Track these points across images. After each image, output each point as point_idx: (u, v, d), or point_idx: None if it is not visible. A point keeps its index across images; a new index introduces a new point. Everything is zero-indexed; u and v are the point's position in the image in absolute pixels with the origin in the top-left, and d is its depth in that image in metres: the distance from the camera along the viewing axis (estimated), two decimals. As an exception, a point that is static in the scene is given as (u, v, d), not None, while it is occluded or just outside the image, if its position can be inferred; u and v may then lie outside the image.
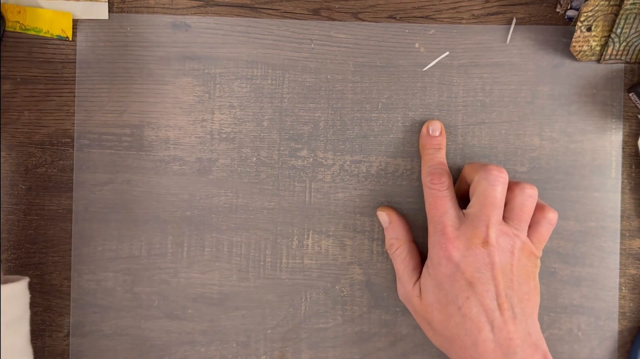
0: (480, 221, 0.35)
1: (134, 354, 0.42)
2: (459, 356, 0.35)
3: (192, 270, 0.42)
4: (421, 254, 0.40)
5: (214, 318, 0.42)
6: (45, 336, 0.42)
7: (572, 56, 0.42)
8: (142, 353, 0.42)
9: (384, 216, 0.41)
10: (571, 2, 0.40)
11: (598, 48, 0.41)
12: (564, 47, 0.42)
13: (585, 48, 0.41)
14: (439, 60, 0.42)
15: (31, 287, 0.42)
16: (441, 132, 0.41)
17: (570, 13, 0.41)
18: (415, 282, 0.38)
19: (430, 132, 0.41)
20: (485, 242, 0.34)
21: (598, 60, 0.42)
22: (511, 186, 0.37)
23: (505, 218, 0.36)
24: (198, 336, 0.42)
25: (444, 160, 0.40)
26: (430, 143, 0.40)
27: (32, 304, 0.42)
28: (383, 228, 0.41)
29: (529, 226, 0.37)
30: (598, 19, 0.39)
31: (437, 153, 0.40)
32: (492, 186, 0.35)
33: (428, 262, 0.37)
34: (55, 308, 0.42)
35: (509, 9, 0.42)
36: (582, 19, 0.39)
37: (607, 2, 0.39)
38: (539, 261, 0.37)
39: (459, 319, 0.34)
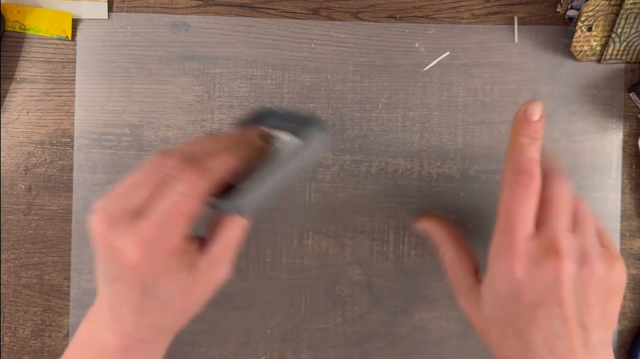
0: (548, 231, 0.30)
1: (134, 355, 0.42)
2: None
3: (192, 270, 0.42)
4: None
5: (213, 318, 0.42)
6: (45, 336, 0.42)
7: (572, 56, 0.42)
8: (142, 353, 0.42)
9: (424, 228, 0.38)
10: (571, 1, 0.40)
11: (599, 48, 0.41)
12: (565, 47, 0.42)
13: (585, 48, 0.41)
14: (439, 60, 0.42)
15: (31, 287, 0.42)
16: (541, 116, 0.32)
17: (570, 13, 0.41)
18: (471, 290, 0.33)
19: (528, 115, 0.32)
20: (556, 255, 0.29)
21: (599, 60, 0.42)
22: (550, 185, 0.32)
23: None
24: (198, 336, 0.42)
25: (537, 156, 0.31)
26: (526, 130, 0.31)
27: (32, 304, 0.42)
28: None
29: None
30: (599, 18, 0.39)
31: (531, 144, 0.31)
32: (557, 191, 0.31)
33: (488, 273, 0.31)
34: (55, 308, 0.42)
35: (509, 9, 0.42)
36: (582, 18, 0.39)
37: (607, 2, 0.39)
38: (625, 268, 0.31)
39: (517, 343, 0.30)
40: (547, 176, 0.31)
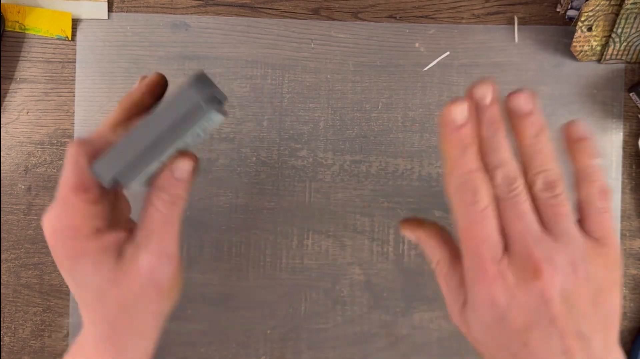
0: (518, 245, 0.26)
1: (134, 355, 0.42)
2: None
3: (191, 270, 0.42)
4: None
5: (213, 318, 0.42)
6: (45, 336, 0.42)
7: (572, 56, 0.42)
8: (142, 353, 0.42)
9: (410, 235, 0.33)
10: (571, 1, 0.40)
11: (599, 48, 0.41)
12: (565, 47, 0.42)
13: (586, 48, 0.41)
14: (439, 60, 0.42)
15: (31, 287, 0.42)
16: (467, 118, 0.27)
17: (570, 13, 0.41)
18: (462, 307, 0.29)
19: (450, 119, 0.27)
20: (535, 273, 0.25)
21: (599, 60, 0.42)
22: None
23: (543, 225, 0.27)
24: (198, 336, 0.42)
25: (478, 163, 0.27)
26: (455, 139, 0.27)
27: (32, 304, 0.42)
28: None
29: (581, 217, 0.28)
30: (599, 18, 0.39)
31: (463, 155, 0.27)
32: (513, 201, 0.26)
33: (469, 300, 0.28)
34: (55, 308, 0.42)
35: (509, 9, 0.42)
36: (582, 18, 0.39)
37: (607, 2, 0.39)
38: (618, 258, 0.27)
39: None
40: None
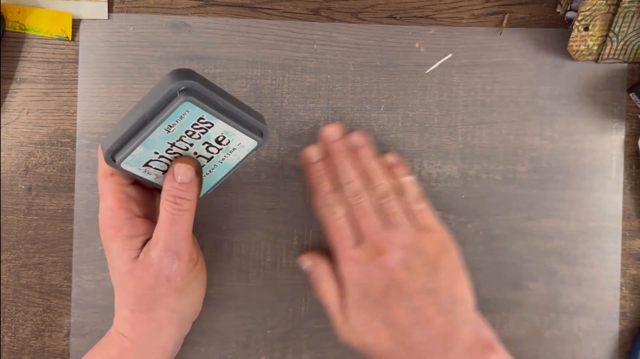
0: (367, 238, 0.36)
1: (134, 355, 0.42)
2: None
3: (192, 270, 0.42)
4: None
5: (213, 318, 0.42)
6: (45, 336, 0.42)
7: (572, 56, 0.42)
8: (142, 353, 0.42)
9: (306, 262, 0.40)
10: (571, 2, 0.40)
11: (595, 47, 0.41)
12: (565, 48, 0.42)
13: (582, 47, 0.41)
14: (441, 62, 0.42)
15: (31, 287, 0.42)
16: (320, 156, 0.39)
17: (569, 15, 0.41)
18: (344, 315, 0.37)
19: (309, 157, 0.39)
20: (380, 251, 0.35)
21: (596, 60, 0.42)
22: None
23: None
24: (198, 336, 0.42)
25: (331, 186, 0.38)
26: (313, 172, 0.39)
27: (32, 304, 0.42)
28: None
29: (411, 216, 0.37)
30: (595, 18, 0.39)
31: (320, 182, 0.38)
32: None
33: (345, 291, 0.36)
34: (55, 308, 0.42)
35: (509, 9, 0.42)
36: (579, 18, 0.39)
37: (604, 2, 0.39)
38: (445, 238, 0.36)
39: (388, 333, 0.34)
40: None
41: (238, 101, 0.33)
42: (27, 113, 0.42)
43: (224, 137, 0.32)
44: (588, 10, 0.39)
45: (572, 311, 0.42)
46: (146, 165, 0.32)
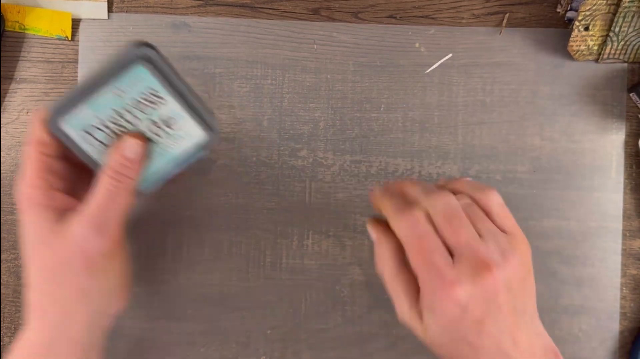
0: (465, 249, 0.30)
1: (134, 354, 0.42)
2: None
3: (191, 270, 0.42)
4: None
5: (214, 318, 0.42)
6: (45, 336, 0.42)
7: (572, 56, 0.42)
8: (142, 353, 0.42)
9: (372, 232, 0.35)
10: (571, 2, 0.40)
11: (595, 47, 0.41)
12: (565, 47, 0.42)
13: (582, 47, 0.41)
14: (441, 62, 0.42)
15: (31, 287, 0.42)
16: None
17: (569, 14, 0.41)
18: (411, 308, 0.33)
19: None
20: (486, 267, 0.30)
21: (596, 60, 0.42)
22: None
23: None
24: (198, 336, 0.42)
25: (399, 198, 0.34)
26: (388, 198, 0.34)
27: (32, 305, 0.42)
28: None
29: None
30: (596, 18, 0.39)
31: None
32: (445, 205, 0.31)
33: (428, 307, 0.31)
34: (55, 308, 0.42)
35: (509, 9, 0.42)
36: (580, 18, 0.39)
37: (605, 2, 0.39)
38: (527, 243, 0.33)
39: (471, 354, 0.31)
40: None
41: (193, 90, 0.32)
42: (27, 113, 0.42)
43: (173, 120, 0.32)
44: (588, 10, 0.39)
45: (572, 311, 0.42)
46: (87, 132, 0.31)
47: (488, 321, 0.30)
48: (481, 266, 0.30)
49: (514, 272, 0.31)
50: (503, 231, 0.32)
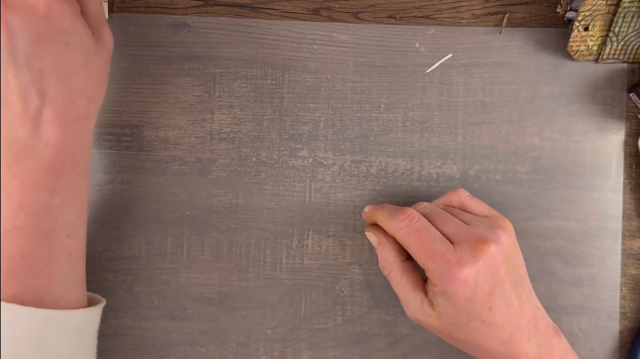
0: (461, 232, 0.34)
1: (134, 355, 0.42)
2: (486, 355, 0.34)
3: (191, 270, 0.42)
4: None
5: (213, 318, 0.42)
6: (45, 336, 0.42)
7: (571, 56, 0.42)
8: (142, 353, 0.42)
9: (372, 237, 0.38)
10: (571, 2, 0.40)
11: (595, 48, 0.41)
12: (565, 47, 0.42)
13: (582, 48, 0.41)
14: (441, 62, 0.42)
15: (31, 287, 0.42)
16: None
17: (569, 15, 0.41)
18: (422, 302, 0.35)
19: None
20: (484, 243, 0.33)
21: (596, 60, 0.42)
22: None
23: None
24: (198, 336, 0.42)
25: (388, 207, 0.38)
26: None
27: (32, 305, 0.42)
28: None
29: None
30: (595, 18, 0.39)
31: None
32: None
33: (441, 293, 0.33)
34: (55, 308, 0.42)
35: (509, 9, 0.42)
36: (579, 18, 0.39)
37: (604, 2, 0.39)
38: (505, 218, 0.37)
39: (484, 330, 0.33)
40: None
41: None
42: (27, 113, 0.42)
43: None
44: (588, 10, 0.39)
45: (572, 311, 0.42)
46: None
47: (496, 294, 0.33)
48: (480, 243, 0.33)
49: (507, 245, 0.34)
50: (484, 216, 0.37)
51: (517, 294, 0.34)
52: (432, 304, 0.34)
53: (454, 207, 0.38)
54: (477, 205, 0.38)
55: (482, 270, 0.32)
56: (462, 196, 0.38)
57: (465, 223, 0.35)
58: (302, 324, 0.42)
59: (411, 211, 0.35)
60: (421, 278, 0.36)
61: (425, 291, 0.35)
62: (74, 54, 0.32)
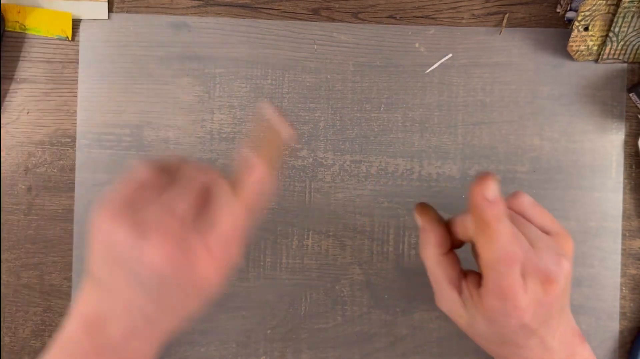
0: (526, 261, 0.30)
1: (134, 355, 0.42)
2: None
3: (192, 270, 0.42)
4: None
5: (214, 318, 0.42)
6: (45, 336, 0.42)
7: (571, 56, 0.42)
8: (142, 353, 0.42)
9: (418, 219, 0.34)
10: (571, 2, 0.40)
11: (595, 48, 0.41)
12: (565, 47, 0.42)
13: (582, 48, 0.41)
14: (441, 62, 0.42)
15: (31, 287, 0.42)
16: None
17: (569, 15, 0.41)
18: (455, 301, 0.33)
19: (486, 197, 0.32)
20: (549, 282, 0.30)
21: (596, 60, 0.42)
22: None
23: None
24: (198, 336, 0.42)
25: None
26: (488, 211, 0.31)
27: (32, 304, 0.42)
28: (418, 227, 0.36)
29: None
30: (595, 18, 0.39)
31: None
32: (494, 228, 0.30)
33: (486, 309, 0.31)
34: (55, 308, 0.42)
35: (509, 9, 0.42)
36: (579, 18, 0.39)
37: (604, 2, 0.39)
38: (568, 235, 0.34)
39: (515, 350, 0.32)
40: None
41: None
42: (27, 113, 0.42)
43: None
44: (588, 10, 0.39)
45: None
46: None
47: (541, 330, 0.31)
48: (546, 284, 0.30)
49: (567, 277, 0.31)
50: (545, 231, 0.33)
51: (558, 320, 0.32)
52: (463, 304, 0.32)
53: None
54: (539, 216, 0.34)
55: (541, 311, 0.30)
56: (523, 204, 0.34)
57: (529, 240, 0.31)
58: (302, 324, 0.42)
59: (503, 221, 0.31)
60: (458, 274, 0.33)
61: (459, 290, 0.33)
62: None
